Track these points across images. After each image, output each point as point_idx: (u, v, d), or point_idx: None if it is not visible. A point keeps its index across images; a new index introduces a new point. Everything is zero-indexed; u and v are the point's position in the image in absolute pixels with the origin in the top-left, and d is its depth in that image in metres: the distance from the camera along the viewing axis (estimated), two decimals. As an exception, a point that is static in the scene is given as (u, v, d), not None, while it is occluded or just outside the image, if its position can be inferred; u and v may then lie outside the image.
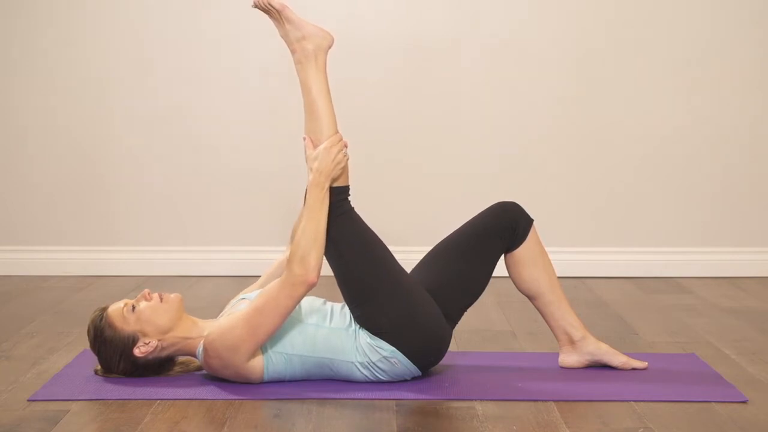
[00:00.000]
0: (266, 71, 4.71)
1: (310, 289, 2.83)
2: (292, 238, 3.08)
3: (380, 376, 2.94)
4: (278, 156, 4.75)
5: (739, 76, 4.78)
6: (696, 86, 4.79)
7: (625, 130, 4.81)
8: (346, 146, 2.93)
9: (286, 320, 2.87)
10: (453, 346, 3.31)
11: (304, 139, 2.93)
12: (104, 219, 4.84)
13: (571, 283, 4.58)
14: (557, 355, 3.21)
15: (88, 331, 2.96)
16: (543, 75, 4.78)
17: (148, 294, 2.96)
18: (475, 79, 4.78)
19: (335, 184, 2.91)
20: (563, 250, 4.70)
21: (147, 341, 2.93)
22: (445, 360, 3.12)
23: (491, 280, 3.10)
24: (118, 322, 2.92)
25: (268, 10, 2.95)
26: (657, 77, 4.78)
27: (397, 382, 2.96)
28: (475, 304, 3.13)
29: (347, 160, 2.94)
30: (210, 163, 4.81)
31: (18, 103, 4.79)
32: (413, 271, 3.11)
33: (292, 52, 2.96)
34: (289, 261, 2.83)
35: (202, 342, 2.92)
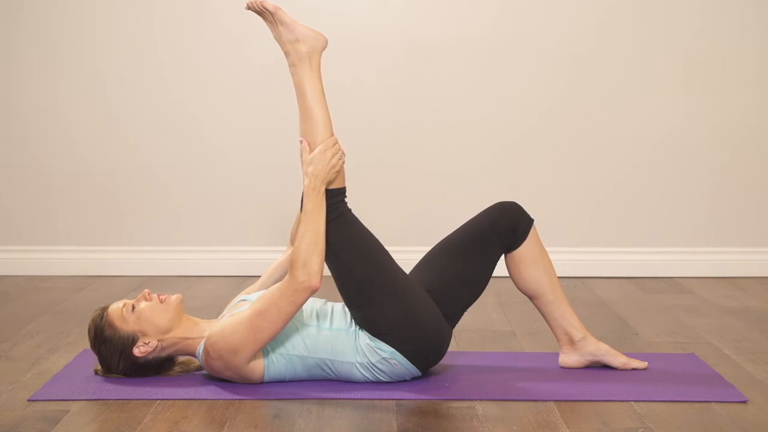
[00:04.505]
0: (267, 71, 4.71)
1: (312, 294, 2.83)
2: (292, 241, 3.08)
3: (380, 377, 2.94)
4: (278, 156, 4.74)
5: (739, 76, 4.78)
6: (695, 86, 4.78)
7: (624, 130, 4.81)
8: (341, 149, 2.92)
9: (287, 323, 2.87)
10: (453, 346, 3.31)
11: (301, 141, 2.92)
12: (104, 219, 4.84)
13: (571, 283, 4.58)
14: (557, 355, 3.21)
15: (89, 331, 2.96)
16: (542, 75, 4.78)
17: (148, 294, 2.97)
18: (475, 79, 4.77)
19: (330, 187, 2.90)
20: (563, 250, 4.71)
21: (147, 341, 2.93)
22: (445, 360, 3.12)
23: (491, 280, 3.10)
24: (118, 322, 2.92)
25: (261, 12, 2.93)
26: (656, 77, 4.78)
27: (397, 382, 2.96)
28: (475, 304, 3.13)
29: (343, 163, 2.93)
30: (210, 164, 4.80)
31: (18, 102, 4.78)
32: (413, 271, 3.11)
33: (286, 54, 2.94)
34: (291, 267, 2.82)
35: (202, 342, 2.92)
